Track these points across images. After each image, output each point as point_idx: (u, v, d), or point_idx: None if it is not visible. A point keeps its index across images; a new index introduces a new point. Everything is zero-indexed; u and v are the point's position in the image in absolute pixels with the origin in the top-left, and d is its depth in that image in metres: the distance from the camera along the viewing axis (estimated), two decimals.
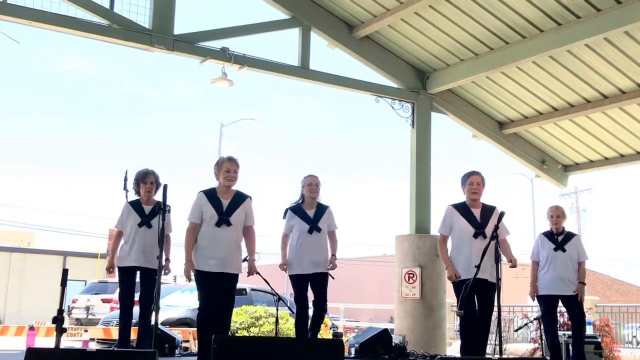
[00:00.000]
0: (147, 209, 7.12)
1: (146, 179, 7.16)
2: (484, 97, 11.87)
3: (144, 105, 74.14)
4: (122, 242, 7.16)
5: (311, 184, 7.35)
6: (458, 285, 6.23)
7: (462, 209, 6.79)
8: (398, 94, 11.41)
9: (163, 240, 4.87)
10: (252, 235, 6.52)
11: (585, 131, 12.01)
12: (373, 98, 11.29)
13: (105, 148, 71.30)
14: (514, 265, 6.48)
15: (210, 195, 6.34)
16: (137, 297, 7.15)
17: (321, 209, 7.36)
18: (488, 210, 6.80)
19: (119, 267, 7.11)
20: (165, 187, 4.92)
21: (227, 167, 6.34)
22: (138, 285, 7.10)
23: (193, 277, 6.29)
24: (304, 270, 7.11)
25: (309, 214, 7.28)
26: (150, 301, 6.82)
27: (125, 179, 7.35)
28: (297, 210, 7.34)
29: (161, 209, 6.84)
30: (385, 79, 11.45)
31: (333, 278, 7.31)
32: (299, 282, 7.16)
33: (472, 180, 6.85)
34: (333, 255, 7.34)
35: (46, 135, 69.10)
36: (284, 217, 7.39)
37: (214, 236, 6.20)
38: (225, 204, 6.27)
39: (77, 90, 71.37)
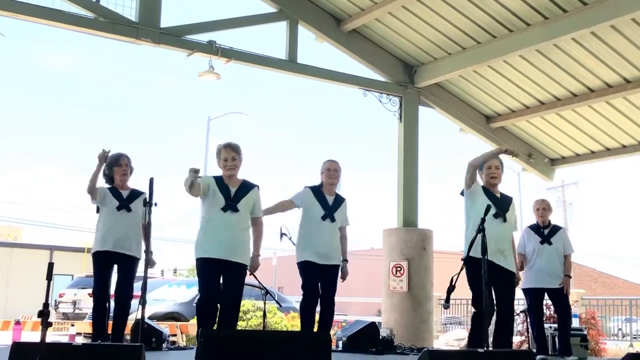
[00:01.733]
0: (125, 193, 6.65)
1: (120, 162, 6.65)
2: (471, 91, 11.89)
3: (131, 100, 73.85)
4: (97, 226, 6.60)
5: (329, 169, 6.88)
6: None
7: (486, 190, 6.29)
8: (386, 87, 11.42)
9: (150, 233, 4.84)
10: (259, 227, 6.16)
11: (571, 125, 12.07)
12: (361, 92, 11.29)
13: (92, 143, 70.98)
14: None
15: (218, 180, 5.96)
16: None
17: (339, 200, 6.93)
18: (507, 198, 6.43)
19: (95, 252, 6.53)
20: (151, 180, 4.85)
21: (225, 155, 5.93)
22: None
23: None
24: (314, 259, 6.65)
25: (328, 200, 6.81)
26: (128, 294, 6.54)
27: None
28: (317, 191, 6.83)
29: (140, 196, 6.49)
30: (373, 73, 11.45)
31: (343, 280, 6.91)
32: (307, 269, 6.67)
33: (491, 164, 6.34)
34: (344, 259, 6.92)
35: (33, 131, 68.73)
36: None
37: (222, 222, 5.84)
38: (232, 191, 5.92)
39: (64, 85, 71.01)
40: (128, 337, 7.48)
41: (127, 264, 6.56)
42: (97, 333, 6.53)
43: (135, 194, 6.71)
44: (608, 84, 10.54)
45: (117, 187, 6.70)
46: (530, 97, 11.53)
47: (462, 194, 6.36)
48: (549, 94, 11.26)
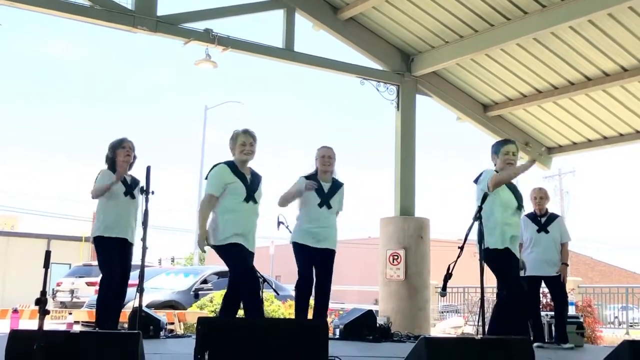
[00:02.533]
0: (128, 178, 6.62)
1: (124, 144, 6.58)
2: (468, 80, 11.88)
3: (127, 89, 73.68)
4: (104, 210, 6.51)
5: (324, 157, 6.88)
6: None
7: None
8: (383, 76, 11.40)
9: (147, 222, 4.84)
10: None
11: (568, 113, 12.07)
12: (358, 80, 11.27)
13: (89, 132, 70.87)
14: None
15: (233, 167, 5.89)
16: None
17: (336, 185, 6.93)
18: (516, 186, 6.33)
19: (105, 237, 6.46)
20: (148, 168, 4.86)
21: (243, 140, 5.89)
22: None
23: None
24: (310, 243, 6.69)
25: (324, 187, 6.82)
26: (128, 277, 6.60)
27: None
28: (311, 179, 6.80)
29: (138, 184, 6.58)
30: (370, 62, 11.43)
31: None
32: (303, 251, 6.72)
33: (509, 150, 6.17)
34: None
35: (30, 119, 68.56)
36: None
37: (244, 212, 5.81)
38: (249, 180, 5.89)
39: (61, 73, 70.78)
40: (125, 325, 7.50)
41: (127, 250, 6.59)
42: (101, 319, 6.48)
43: (135, 182, 6.72)
44: (605, 72, 10.54)
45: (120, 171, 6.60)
46: (528, 85, 11.52)
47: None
48: (547, 82, 11.26)
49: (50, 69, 70.21)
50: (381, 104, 11.39)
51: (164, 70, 78.90)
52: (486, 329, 5.52)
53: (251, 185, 5.91)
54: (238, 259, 5.79)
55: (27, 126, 68.07)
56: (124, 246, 6.57)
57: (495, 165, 6.25)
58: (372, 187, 77.50)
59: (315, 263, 6.77)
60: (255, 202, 5.92)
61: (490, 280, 6.44)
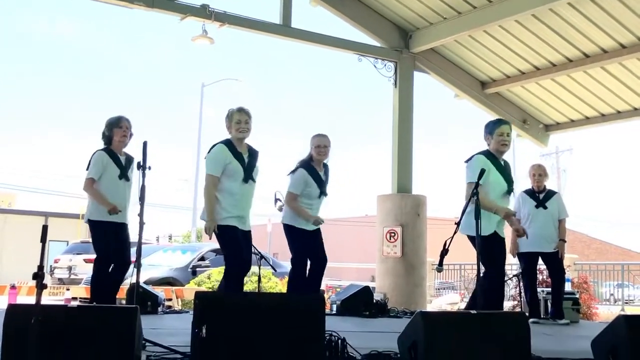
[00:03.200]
0: (122, 159, 6.63)
1: (121, 123, 6.58)
2: (466, 57, 11.84)
3: (124, 66, 73.32)
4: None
5: (319, 146, 6.95)
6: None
7: (492, 158, 6.10)
8: (381, 53, 11.35)
9: (144, 197, 4.83)
10: None
11: (566, 90, 12.05)
12: (356, 57, 11.22)
13: (86, 109, 70.62)
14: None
15: (230, 147, 5.92)
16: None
17: (327, 171, 7.10)
18: (508, 167, 6.31)
19: (98, 222, 6.50)
20: (145, 144, 4.82)
21: (238, 118, 5.94)
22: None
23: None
24: (307, 227, 6.90)
25: (321, 176, 6.97)
26: (129, 261, 6.67)
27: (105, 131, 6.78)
28: (311, 171, 6.91)
29: (133, 161, 6.61)
30: (368, 38, 11.38)
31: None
32: (302, 236, 6.91)
33: (503, 131, 6.14)
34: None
35: (28, 96, 68.28)
36: (293, 172, 6.96)
37: (242, 193, 5.88)
38: (246, 159, 5.95)
39: (58, 50, 70.39)
40: (123, 301, 7.53)
41: (124, 232, 6.66)
42: (96, 297, 6.55)
43: (129, 160, 6.72)
44: (604, 49, 10.50)
45: (115, 151, 6.63)
46: (526, 62, 11.48)
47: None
48: (544, 59, 11.22)
49: (47, 46, 69.84)
50: (379, 81, 11.37)
51: (161, 47, 78.52)
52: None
53: (249, 164, 5.97)
54: (232, 248, 5.89)
55: (24, 104, 67.84)
56: (120, 228, 6.61)
57: (488, 145, 6.20)
58: (370, 165, 77.48)
59: (311, 243, 6.95)
60: (254, 181, 5.98)
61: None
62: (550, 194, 7.92)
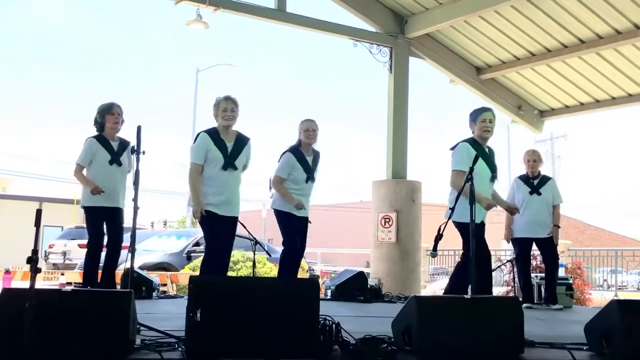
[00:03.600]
0: (115, 145, 6.72)
1: (113, 110, 6.67)
2: (461, 42, 11.81)
3: (117, 51, 73.01)
4: (89, 178, 6.65)
5: (308, 130, 7.07)
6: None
7: (475, 145, 6.25)
8: (376, 38, 11.31)
9: (138, 182, 4.82)
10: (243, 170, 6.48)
11: (561, 76, 12.04)
12: (351, 42, 11.19)
13: (81, 94, 70.37)
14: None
15: (214, 135, 6.10)
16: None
17: (317, 156, 7.20)
18: (493, 153, 6.49)
19: (88, 207, 6.65)
20: (139, 128, 4.82)
21: (224, 106, 6.10)
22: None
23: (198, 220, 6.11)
24: (295, 212, 7.00)
25: (309, 161, 7.09)
26: (120, 245, 6.79)
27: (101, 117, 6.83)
28: (298, 155, 7.04)
29: (128, 146, 6.70)
30: (364, 23, 11.33)
31: (310, 222, 7.32)
32: (290, 220, 7.02)
33: (485, 117, 6.36)
34: None
35: (23, 82, 67.99)
36: (281, 159, 7.08)
37: (222, 180, 6.04)
38: (229, 146, 6.09)
39: (49, 34, 70.02)
40: (118, 286, 7.53)
41: (117, 217, 6.75)
42: (88, 281, 6.68)
43: (123, 145, 6.76)
44: (599, 35, 10.49)
45: (107, 137, 6.72)
46: (521, 48, 11.46)
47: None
48: (540, 45, 11.20)
49: (37, 30, 69.44)
50: (374, 67, 11.34)
51: (154, 31, 78.14)
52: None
53: (232, 152, 6.11)
54: (206, 234, 6.15)
55: (19, 90, 67.53)
56: (114, 213, 6.72)
57: (473, 133, 6.42)
58: (365, 151, 77.48)
59: (297, 230, 7.08)
60: (235, 168, 6.10)
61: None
62: (545, 179, 7.93)
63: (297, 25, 10.74)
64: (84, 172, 6.72)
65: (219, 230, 6.07)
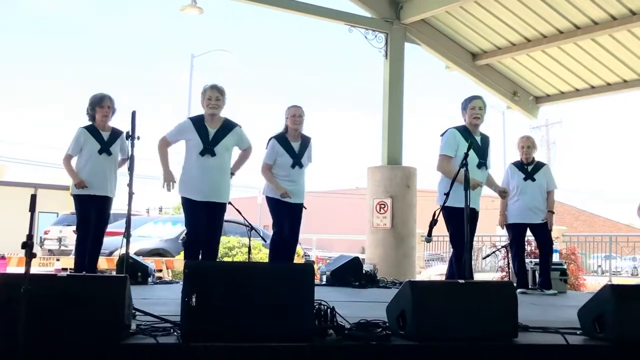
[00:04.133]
0: (105, 135, 6.80)
1: (103, 103, 6.77)
2: (457, 28, 11.79)
3: (113, 37, 72.68)
4: (77, 167, 6.80)
5: (294, 115, 7.15)
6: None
7: (464, 132, 6.38)
8: (371, 23, 11.28)
9: (133, 168, 4.81)
10: (247, 152, 6.59)
11: (557, 62, 12.04)
12: (346, 28, 11.15)
13: (74, 79, 70.08)
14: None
15: (197, 122, 6.23)
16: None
17: (305, 142, 7.24)
18: (486, 140, 6.55)
19: (75, 195, 6.78)
20: (133, 114, 4.81)
21: (209, 94, 6.20)
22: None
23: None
24: (284, 198, 7.06)
25: (294, 147, 7.13)
26: (102, 232, 6.88)
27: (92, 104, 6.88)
28: (282, 141, 7.12)
29: (121, 135, 6.79)
30: (359, 8, 11.30)
31: (305, 208, 7.34)
32: (278, 206, 7.09)
33: (475, 105, 6.44)
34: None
35: (18, 68, 67.67)
36: (267, 146, 7.19)
37: (200, 166, 6.14)
38: (211, 133, 6.17)
39: (48, 21, 69.65)
40: (113, 272, 7.55)
41: (105, 204, 6.84)
42: (77, 268, 6.80)
43: (115, 135, 6.83)
44: (594, 21, 10.48)
45: (98, 127, 6.84)
46: (516, 33, 11.46)
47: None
48: (535, 30, 11.19)
49: (31, 16, 69.06)
50: (370, 53, 11.32)
51: (149, 17, 77.76)
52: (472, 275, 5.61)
53: (214, 138, 6.18)
54: (188, 221, 6.26)
55: (14, 76, 67.21)
56: (102, 201, 6.81)
57: (465, 120, 6.51)
58: (360, 137, 77.44)
59: (287, 216, 7.13)
60: (213, 154, 6.17)
61: (479, 229, 6.56)
62: (539, 165, 7.95)
63: (293, 10, 10.70)
64: (73, 161, 6.85)
65: (196, 215, 6.18)
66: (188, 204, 6.21)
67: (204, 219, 6.19)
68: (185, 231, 6.49)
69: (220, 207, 6.33)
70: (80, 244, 6.81)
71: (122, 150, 6.91)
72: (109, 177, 6.79)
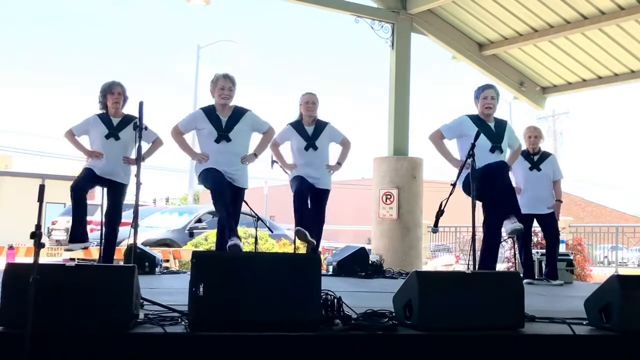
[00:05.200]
0: (115, 120, 6.80)
1: (113, 90, 6.79)
2: (464, 18, 11.75)
3: (119, 27, 72.66)
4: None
5: (307, 102, 7.35)
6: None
7: (477, 120, 6.48)
8: (378, 14, 11.25)
9: (140, 158, 4.84)
10: (269, 134, 6.62)
11: (564, 53, 11.99)
12: (353, 18, 11.12)
13: (82, 70, 70.13)
14: None
15: (209, 112, 6.27)
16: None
17: (320, 126, 7.39)
18: (502, 125, 6.63)
19: (85, 167, 6.81)
20: (141, 104, 4.83)
21: (222, 84, 6.24)
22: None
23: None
24: (305, 176, 7.21)
25: (308, 130, 7.31)
26: (117, 216, 6.83)
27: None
28: (296, 125, 7.34)
29: (132, 121, 6.73)
30: None
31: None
32: (300, 181, 7.19)
33: (487, 94, 6.55)
34: (338, 163, 7.55)
35: (26, 60, 67.76)
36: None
37: (217, 151, 6.19)
38: (224, 121, 6.22)
39: (55, 11, 69.68)
40: (121, 262, 7.59)
41: (115, 189, 6.79)
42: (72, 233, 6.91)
43: (127, 121, 6.80)
44: (602, 10, 10.43)
45: (110, 114, 6.84)
46: (523, 24, 11.41)
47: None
48: (542, 20, 11.15)
49: (39, 6, 69.08)
50: (376, 43, 11.30)
51: (156, 8, 77.69)
52: (476, 265, 5.62)
53: (227, 126, 6.21)
54: (213, 182, 6.15)
55: (22, 67, 67.31)
56: (110, 185, 6.76)
57: (477, 110, 6.61)
58: (367, 127, 77.37)
59: (310, 199, 7.26)
60: (229, 140, 6.19)
61: (482, 219, 6.55)
62: (545, 155, 7.94)
63: (299, 0, 10.68)
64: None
65: (223, 182, 6.14)
66: (212, 172, 6.16)
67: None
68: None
69: (240, 193, 6.38)
70: (73, 201, 6.78)
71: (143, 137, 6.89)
72: (117, 163, 6.74)
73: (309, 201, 7.27)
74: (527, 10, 10.95)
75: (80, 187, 6.68)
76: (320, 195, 7.36)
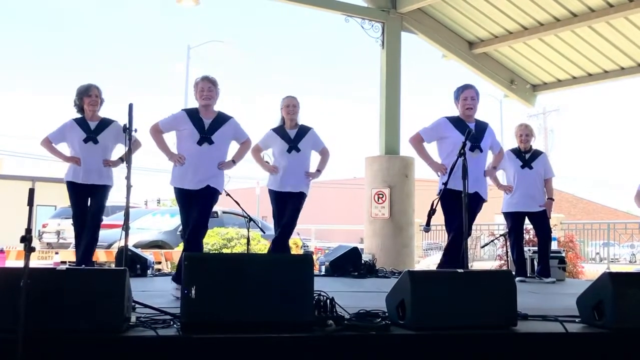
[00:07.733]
0: (93, 124, 6.74)
1: (90, 92, 6.73)
2: (454, 16, 11.76)
3: (108, 28, 72.49)
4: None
5: (288, 106, 7.27)
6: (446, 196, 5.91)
7: (456, 122, 6.45)
8: (368, 13, 11.24)
9: (130, 160, 4.81)
10: (246, 144, 6.42)
11: (554, 50, 12.02)
12: (343, 18, 11.11)
13: (74, 72, 69.92)
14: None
15: (192, 113, 6.15)
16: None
17: (303, 130, 7.31)
18: (482, 126, 6.57)
19: (67, 182, 6.78)
20: (130, 106, 4.79)
21: (202, 86, 6.12)
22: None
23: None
24: (281, 188, 7.11)
25: (290, 133, 7.24)
26: (96, 223, 6.76)
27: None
28: (278, 130, 7.29)
29: (110, 124, 6.75)
30: None
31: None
32: (276, 199, 7.16)
33: (467, 95, 6.47)
34: (318, 170, 7.40)
35: (16, 62, 67.50)
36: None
37: (196, 153, 6.00)
38: (207, 123, 6.08)
39: (40, 12, 69.43)
40: (113, 265, 7.56)
41: (98, 193, 6.76)
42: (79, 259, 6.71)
43: (104, 124, 6.76)
44: (591, 8, 10.46)
45: (86, 118, 6.80)
46: (513, 22, 11.42)
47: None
48: (532, 18, 11.17)
49: (29, 6, 68.82)
50: (366, 42, 11.30)
51: (145, 8, 77.53)
52: (470, 267, 5.63)
53: (209, 128, 6.07)
54: (180, 210, 6.09)
55: (12, 70, 67.04)
56: (93, 190, 6.73)
57: (458, 111, 6.54)
58: (358, 127, 77.42)
59: (280, 207, 7.19)
60: (211, 142, 6.04)
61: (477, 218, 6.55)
62: (536, 154, 7.95)
63: (289, 0, 10.66)
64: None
65: (191, 207, 6.01)
66: (180, 194, 6.07)
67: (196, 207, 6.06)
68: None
69: (213, 193, 6.12)
70: (76, 234, 6.80)
71: (116, 139, 6.79)
72: (98, 166, 6.69)
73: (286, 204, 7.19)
74: (517, 8, 10.96)
75: (79, 222, 6.73)
76: (295, 199, 7.16)
